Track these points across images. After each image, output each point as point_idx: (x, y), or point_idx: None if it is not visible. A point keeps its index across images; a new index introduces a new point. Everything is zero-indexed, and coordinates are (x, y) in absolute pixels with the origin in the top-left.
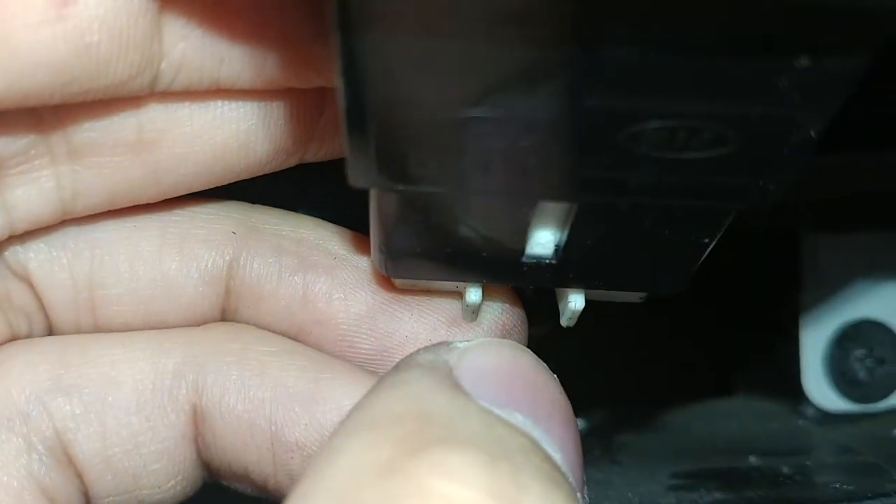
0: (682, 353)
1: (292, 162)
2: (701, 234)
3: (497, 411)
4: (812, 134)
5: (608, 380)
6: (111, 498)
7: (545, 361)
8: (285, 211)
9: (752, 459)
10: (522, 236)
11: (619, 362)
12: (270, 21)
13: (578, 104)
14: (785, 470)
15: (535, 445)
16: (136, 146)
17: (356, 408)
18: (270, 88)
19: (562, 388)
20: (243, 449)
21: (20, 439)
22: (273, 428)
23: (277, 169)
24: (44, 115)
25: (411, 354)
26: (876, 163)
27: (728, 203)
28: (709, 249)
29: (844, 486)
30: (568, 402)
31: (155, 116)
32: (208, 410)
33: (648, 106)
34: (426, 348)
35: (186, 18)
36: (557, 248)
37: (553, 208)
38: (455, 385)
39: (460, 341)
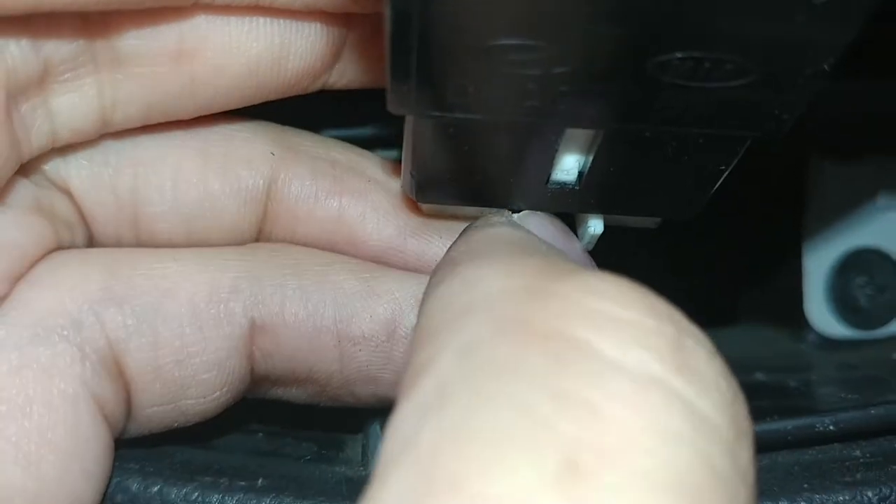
0: (686, 278)
1: (318, 85)
2: (718, 162)
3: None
4: (825, 66)
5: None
6: (155, 407)
7: None
8: (317, 134)
9: (759, 375)
10: (548, 163)
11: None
12: None
13: (610, 35)
14: (791, 383)
15: None
16: (176, 56)
17: (457, 250)
18: (305, 9)
19: None
20: (309, 351)
21: (74, 348)
22: (338, 326)
23: (304, 91)
24: (92, 21)
25: (483, 218)
26: (884, 90)
27: (746, 131)
28: (724, 176)
29: (849, 396)
30: None
31: (195, 27)
32: (270, 320)
33: (675, 37)
34: (493, 213)
35: None
36: (581, 175)
37: (579, 135)
38: (538, 237)
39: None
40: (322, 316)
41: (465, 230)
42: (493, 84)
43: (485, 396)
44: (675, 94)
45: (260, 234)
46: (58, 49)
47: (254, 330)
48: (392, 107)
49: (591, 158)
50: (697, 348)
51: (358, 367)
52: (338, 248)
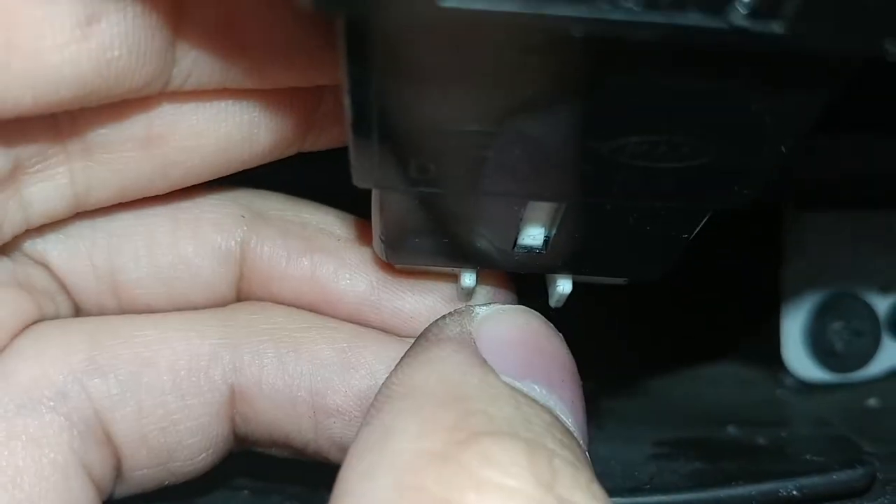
0: (666, 322)
1: (292, 151)
2: (680, 230)
3: (518, 385)
4: (783, 149)
5: (594, 349)
6: (144, 470)
7: None
8: (288, 196)
9: (731, 429)
10: (514, 230)
11: (607, 332)
12: (277, 35)
13: (564, 121)
14: (761, 441)
15: (555, 419)
16: (146, 142)
17: (396, 382)
18: (273, 87)
19: (567, 348)
20: (285, 420)
21: (62, 417)
22: (314, 398)
23: (278, 158)
24: (60, 119)
25: (438, 324)
26: (859, 146)
27: (706, 205)
28: (687, 243)
29: (814, 458)
30: (573, 362)
31: (163, 114)
32: (247, 388)
33: (630, 124)
34: (451, 316)
35: (199, 32)
36: (547, 240)
37: (543, 206)
38: (482, 362)
39: (480, 305)
40: (298, 387)
41: (417, 339)
42: (453, 163)
43: None
44: (633, 172)
45: (239, 293)
46: (27, 148)
47: (233, 396)
48: (357, 181)
49: (556, 226)
50: None
51: (331, 438)
52: (315, 306)
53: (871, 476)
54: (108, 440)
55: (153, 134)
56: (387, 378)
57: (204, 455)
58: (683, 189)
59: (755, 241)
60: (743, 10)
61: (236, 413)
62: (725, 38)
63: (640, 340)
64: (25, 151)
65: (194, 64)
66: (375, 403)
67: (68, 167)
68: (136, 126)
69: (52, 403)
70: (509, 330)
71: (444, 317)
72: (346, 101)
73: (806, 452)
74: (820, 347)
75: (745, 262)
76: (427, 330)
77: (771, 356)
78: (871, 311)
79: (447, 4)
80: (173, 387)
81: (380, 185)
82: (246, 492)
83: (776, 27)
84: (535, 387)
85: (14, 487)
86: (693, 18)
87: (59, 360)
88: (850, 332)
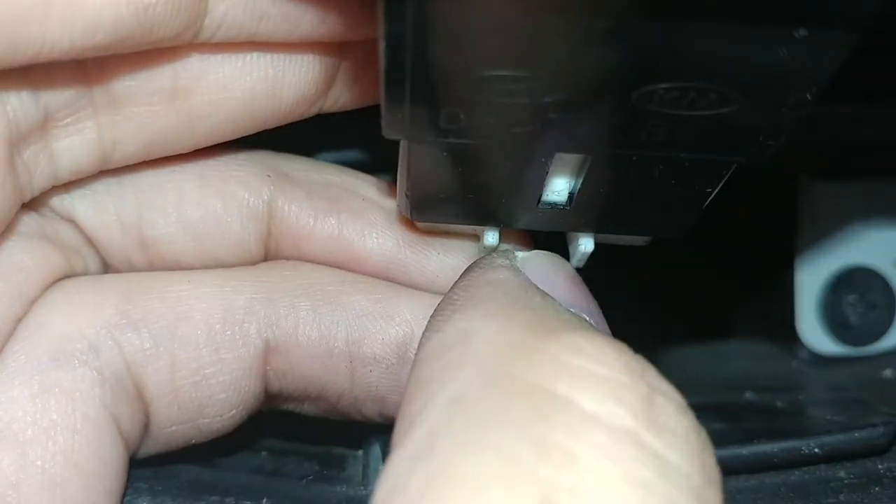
0: (682, 295)
1: (313, 111)
2: (704, 184)
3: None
4: (808, 96)
5: (612, 320)
6: (174, 427)
7: None
8: (311, 159)
9: (749, 395)
10: (540, 185)
11: (624, 304)
12: None
13: (596, 67)
14: (779, 404)
15: None
16: (172, 94)
17: (460, 297)
18: (299, 41)
19: None
20: (321, 371)
21: (94, 371)
22: (350, 348)
23: (299, 118)
24: (89, 68)
25: (486, 258)
26: (875, 115)
27: (730, 156)
28: (710, 198)
29: (834, 418)
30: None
31: (190, 66)
32: (283, 341)
33: (660, 70)
34: (496, 254)
35: None
36: (571, 196)
37: (569, 159)
38: (537, 287)
39: (517, 250)
40: (335, 337)
41: (467, 269)
42: (485, 111)
43: (471, 443)
44: (661, 121)
45: (267, 252)
46: (57, 97)
47: (268, 350)
48: (387, 132)
49: (580, 181)
50: (668, 404)
51: (367, 388)
52: (342, 265)
53: (893, 434)
54: (139, 395)
55: (179, 86)
56: (447, 295)
57: (234, 412)
58: (709, 139)
59: (770, 215)
60: None
61: (270, 368)
62: None
63: (654, 314)
64: (56, 101)
65: (226, 14)
66: (439, 316)
67: (96, 121)
68: (163, 78)
69: (84, 357)
70: (551, 268)
71: (487, 255)
72: (381, 51)
73: (825, 414)
74: (834, 320)
75: (759, 236)
76: (475, 263)
77: (786, 329)
78: (885, 284)
79: None
80: (207, 340)
81: (410, 135)
82: (264, 453)
83: None
84: (585, 317)
85: (48, 440)
86: None
87: (91, 314)
88: (864, 305)
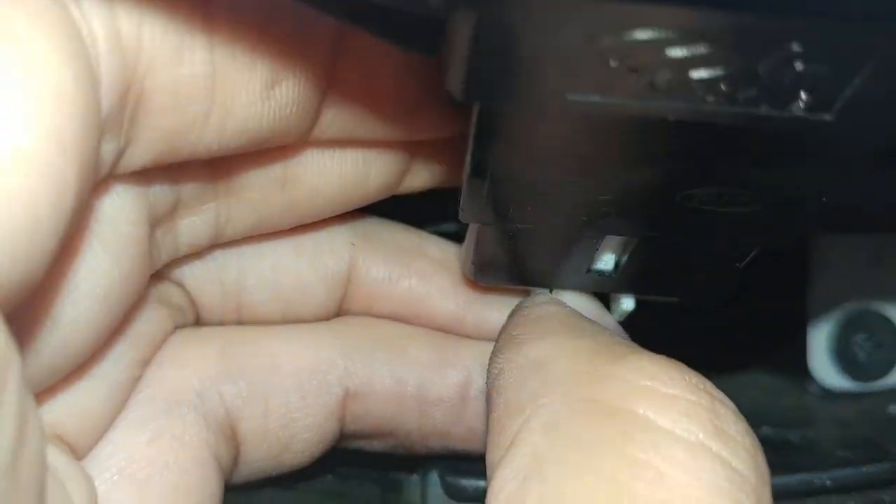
0: (700, 333)
1: (390, 193)
2: (733, 260)
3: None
4: (824, 200)
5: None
6: (261, 462)
7: None
8: (386, 220)
9: (766, 430)
10: (589, 257)
11: (638, 341)
12: (407, 97)
13: (647, 177)
14: (792, 438)
15: None
16: (282, 183)
17: (520, 333)
18: (388, 140)
19: None
20: (393, 413)
21: (200, 418)
22: (419, 392)
23: (379, 199)
24: (217, 161)
25: (530, 297)
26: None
27: (759, 242)
28: (739, 270)
29: (844, 454)
30: None
31: (299, 159)
32: (360, 390)
33: (700, 180)
34: (539, 293)
35: (343, 93)
36: (618, 265)
37: (617, 238)
38: (582, 315)
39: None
40: (405, 384)
41: (516, 308)
42: (548, 206)
43: (574, 467)
44: (698, 214)
45: (339, 310)
46: (189, 187)
47: (347, 397)
48: (463, 217)
49: (626, 254)
50: (727, 413)
51: (433, 425)
52: (408, 321)
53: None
54: (234, 435)
55: (288, 176)
56: (506, 333)
57: (314, 449)
58: (739, 230)
59: (783, 261)
60: (802, 105)
61: (348, 412)
62: (787, 124)
63: (672, 351)
64: (187, 190)
65: (334, 118)
66: (506, 351)
67: (215, 204)
68: (275, 169)
69: (192, 406)
70: (593, 305)
71: (531, 296)
72: (468, 160)
73: (835, 449)
74: (844, 358)
75: (774, 281)
76: (522, 303)
77: (798, 366)
78: (891, 325)
79: (573, 98)
80: (296, 389)
81: (482, 221)
82: (329, 476)
83: (826, 116)
84: None
85: (161, 479)
86: (764, 110)
87: (197, 369)
88: (872, 344)
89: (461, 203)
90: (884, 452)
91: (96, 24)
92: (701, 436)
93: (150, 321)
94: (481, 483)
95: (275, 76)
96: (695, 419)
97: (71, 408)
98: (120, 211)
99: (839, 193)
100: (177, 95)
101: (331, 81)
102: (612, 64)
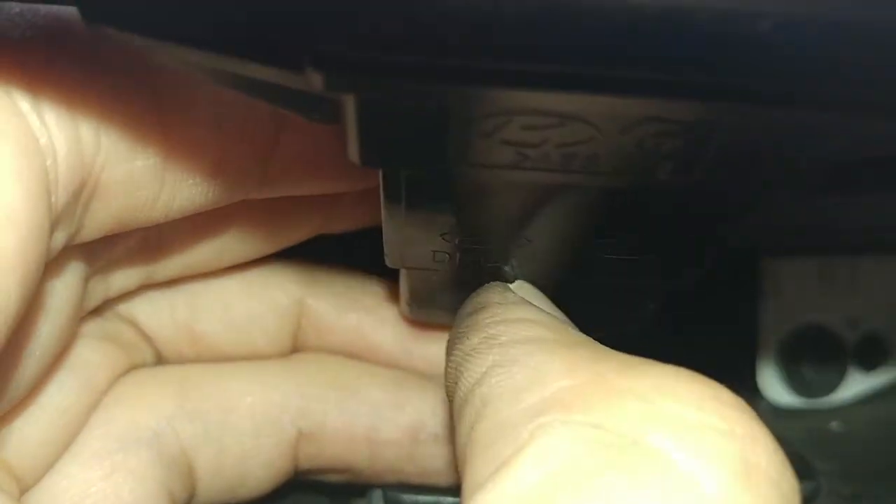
0: (649, 351)
1: (320, 232)
2: (647, 301)
3: None
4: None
5: None
6: (215, 495)
7: None
8: (333, 264)
9: None
10: None
11: None
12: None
13: (545, 233)
14: None
15: None
16: (213, 232)
17: (498, 334)
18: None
19: None
20: (345, 453)
21: (155, 455)
22: (370, 433)
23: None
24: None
25: (492, 290)
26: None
27: (661, 286)
28: (652, 310)
29: None
30: None
31: (228, 211)
32: (312, 430)
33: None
34: (493, 287)
35: (283, 162)
36: None
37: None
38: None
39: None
40: (356, 425)
41: (481, 301)
42: (464, 254)
43: None
44: (603, 263)
45: (295, 342)
46: (122, 247)
47: (300, 437)
48: (388, 263)
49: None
50: (765, 443)
51: (385, 464)
52: (360, 354)
53: (816, 489)
54: (190, 473)
55: (218, 226)
56: (474, 328)
57: (267, 485)
58: (645, 273)
59: (733, 281)
60: (667, 171)
61: (300, 451)
62: (657, 186)
63: None
64: (120, 250)
65: (273, 183)
66: (488, 353)
67: (147, 254)
68: (207, 222)
69: (148, 443)
70: (540, 294)
71: (490, 286)
72: (383, 214)
73: None
74: (791, 375)
75: (723, 300)
76: (485, 295)
77: (747, 383)
78: (838, 343)
79: (457, 165)
80: (250, 429)
81: (405, 266)
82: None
83: (692, 178)
84: None
85: None
86: (629, 179)
87: (153, 407)
88: (818, 362)
89: (384, 249)
90: (809, 471)
91: (56, 132)
92: (730, 480)
93: (94, 356)
94: (420, 498)
95: (219, 161)
96: (725, 459)
97: (11, 436)
98: (57, 277)
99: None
100: (129, 184)
101: (273, 152)
102: (487, 137)
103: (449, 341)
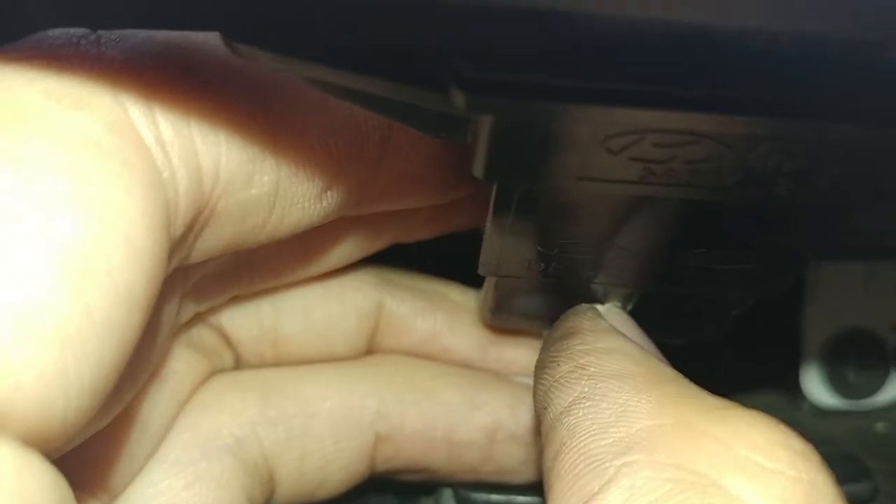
0: (695, 352)
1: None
2: (731, 308)
3: None
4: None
5: None
6: (292, 499)
7: None
8: (410, 269)
9: None
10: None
11: None
12: (438, 178)
13: (649, 243)
14: None
15: None
16: (302, 251)
17: (589, 364)
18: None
19: None
20: (422, 454)
21: (238, 462)
22: (447, 434)
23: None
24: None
25: (584, 314)
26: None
27: (751, 295)
28: (736, 317)
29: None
30: None
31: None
32: (391, 431)
33: (697, 242)
34: (584, 311)
35: (385, 183)
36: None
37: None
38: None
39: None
40: (434, 427)
41: (569, 325)
42: (562, 264)
43: None
44: (696, 271)
45: (371, 344)
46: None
47: (378, 440)
48: (482, 271)
49: (631, 303)
50: (827, 489)
51: (462, 464)
52: (435, 355)
53: (875, 489)
54: (271, 477)
55: (308, 245)
56: (563, 354)
57: (344, 486)
58: (735, 283)
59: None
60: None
61: (378, 453)
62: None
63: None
64: (207, 269)
65: (373, 202)
66: (579, 384)
67: (238, 275)
68: (299, 241)
69: (230, 450)
70: (631, 323)
71: (580, 311)
72: (488, 224)
73: None
74: (834, 377)
75: (768, 302)
76: (574, 319)
77: (792, 384)
78: (880, 345)
79: (581, 181)
80: (330, 433)
81: (499, 275)
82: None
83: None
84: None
85: None
86: (750, 194)
87: (235, 414)
88: (861, 365)
89: (480, 258)
90: (866, 470)
91: (178, 165)
92: None
93: (180, 365)
94: (492, 497)
95: (329, 182)
96: (791, 501)
97: (103, 449)
98: (162, 299)
99: (824, 243)
100: (242, 212)
101: (378, 170)
102: (614, 154)
103: (538, 363)
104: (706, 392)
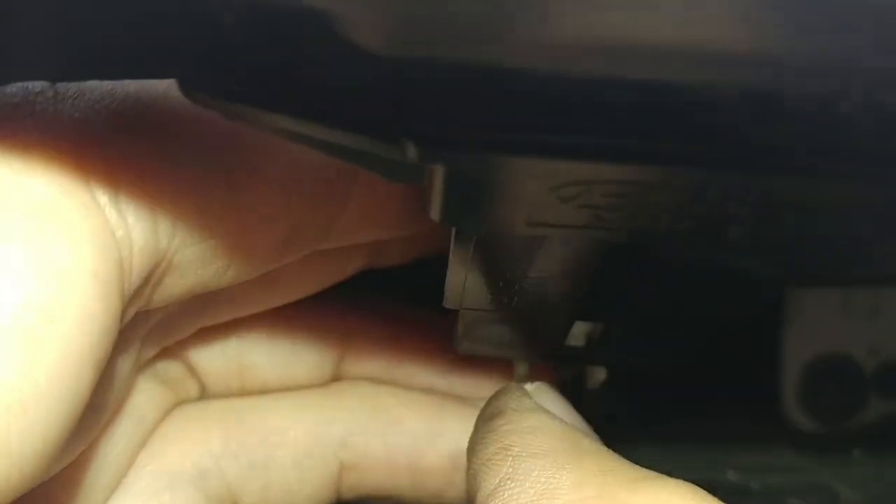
0: (673, 378)
1: (367, 267)
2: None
3: None
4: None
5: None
6: None
7: None
8: (371, 293)
9: (730, 474)
10: (563, 336)
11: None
12: (405, 213)
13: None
14: (753, 486)
15: None
16: (263, 285)
17: (513, 444)
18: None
19: None
20: (386, 481)
21: (201, 493)
22: (410, 461)
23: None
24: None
25: (508, 396)
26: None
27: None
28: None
29: (796, 501)
30: None
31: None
32: (356, 459)
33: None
34: (514, 389)
35: (350, 222)
36: (589, 341)
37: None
38: (573, 426)
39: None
40: (397, 454)
41: (496, 407)
42: (523, 299)
43: None
44: (658, 300)
45: (337, 370)
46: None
47: (342, 469)
48: (447, 304)
49: (597, 333)
50: None
51: (426, 490)
52: (400, 381)
53: None
54: None
55: (271, 278)
56: (490, 437)
57: None
58: (704, 306)
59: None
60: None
61: (343, 482)
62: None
63: (645, 403)
64: (171, 308)
65: (337, 239)
66: (503, 463)
67: (201, 311)
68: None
69: (194, 481)
70: (558, 398)
71: (506, 391)
72: (449, 261)
73: (790, 496)
74: (812, 402)
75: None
76: (501, 401)
77: (769, 409)
78: (857, 371)
79: (532, 225)
80: (294, 464)
81: (464, 307)
82: None
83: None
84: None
85: None
86: (694, 240)
87: (198, 445)
88: (839, 390)
89: (444, 292)
90: (836, 498)
91: (133, 223)
92: None
93: (147, 400)
94: None
95: (294, 226)
96: None
97: (66, 482)
98: (120, 344)
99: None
100: (201, 262)
101: (342, 211)
102: (565, 202)
103: (469, 445)
104: (630, 463)
